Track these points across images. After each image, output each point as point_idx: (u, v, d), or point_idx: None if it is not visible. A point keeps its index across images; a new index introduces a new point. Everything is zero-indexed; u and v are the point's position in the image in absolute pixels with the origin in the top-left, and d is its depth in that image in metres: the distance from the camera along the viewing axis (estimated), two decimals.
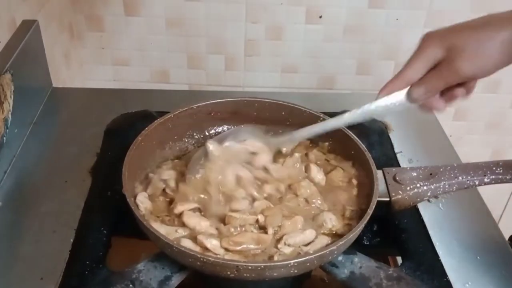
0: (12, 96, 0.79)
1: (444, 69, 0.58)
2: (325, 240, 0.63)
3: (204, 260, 0.55)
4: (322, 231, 0.64)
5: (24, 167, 0.79)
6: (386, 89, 0.61)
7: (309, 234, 0.63)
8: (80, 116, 0.91)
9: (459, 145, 0.89)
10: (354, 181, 0.71)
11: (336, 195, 0.70)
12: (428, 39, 0.59)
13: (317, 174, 0.72)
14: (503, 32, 0.55)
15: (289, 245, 0.61)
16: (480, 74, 0.57)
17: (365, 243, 0.72)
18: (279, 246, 0.61)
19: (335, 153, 0.76)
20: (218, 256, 0.58)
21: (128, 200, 0.61)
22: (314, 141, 0.78)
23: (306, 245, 0.62)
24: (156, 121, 0.73)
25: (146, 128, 0.71)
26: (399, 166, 0.81)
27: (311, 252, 0.60)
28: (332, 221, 0.65)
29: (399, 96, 0.61)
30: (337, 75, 1.27)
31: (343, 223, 0.66)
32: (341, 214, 0.67)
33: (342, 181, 0.72)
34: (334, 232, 0.65)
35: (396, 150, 0.85)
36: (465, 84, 0.60)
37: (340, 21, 1.18)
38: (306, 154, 0.76)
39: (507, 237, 0.72)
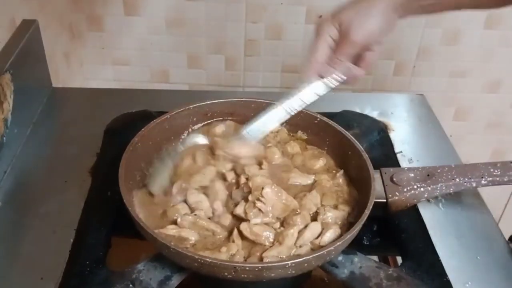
0: (12, 96, 0.79)
1: (342, 43, 0.66)
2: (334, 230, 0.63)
3: (201, 261, 0.55)
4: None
5: (24, 167, 0.79)
6: (309, 74, 0.68)
7: (314, 227, 0.63)
8: (80, 116, 0.91)
9: (459, 145, 0.89)
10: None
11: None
12: (322, 24, 0.68)
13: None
14: (381, 3, 0.66)
15: (301, 246, 0.61)
16: (371, 38, 0.67)
17: (365, 243, 0.71)
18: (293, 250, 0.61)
19: (332, 154, 0.76)
20: (215, 257, 0.58)
21: (125, 201, 0.61)
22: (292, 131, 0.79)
23: (317, 238, 0.62)
24: (152, 121, 0.73)
25: (143, 129, 0.71)
26: (399, 166, 0.81)
27: (326, 241, 0.61)
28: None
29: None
30: None
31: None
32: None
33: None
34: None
35: (396, 150, 0.85)
36: (368, 48, 0.68)
37: None
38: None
39: (507, 237, 0.72)
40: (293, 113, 0.70)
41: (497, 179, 0.67)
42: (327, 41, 0.67)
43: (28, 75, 0.86)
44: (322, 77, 0.68)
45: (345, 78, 0.68)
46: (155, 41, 1.22)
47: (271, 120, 0.71)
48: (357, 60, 0.69)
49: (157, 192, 0.68)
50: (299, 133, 0.79)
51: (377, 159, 0.79)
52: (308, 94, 0.69)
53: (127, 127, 0.81)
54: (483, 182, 0.67)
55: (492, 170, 0.68)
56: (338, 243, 0.58)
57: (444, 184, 0.68)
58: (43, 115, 0.90)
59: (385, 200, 0.68)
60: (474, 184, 0.68)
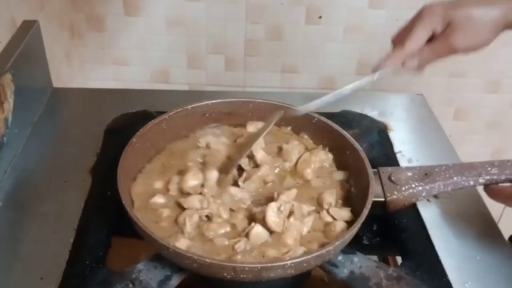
0: (13, 96, 0.80)
1: (439, 43, 0.62)
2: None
3: (201, 261, 0.55)
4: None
5: (24, 167, 0.79)
6: (393, 61, 0.64)
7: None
8: (80, 116, 0.91)
9: (459, 145, 0.89)
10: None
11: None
12: (431, 11, 0.62)
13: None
14: (495, 10, 0.61)
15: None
16: (470, 49, 0.62)
17: (365, 242, 0.72)
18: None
19: (331, 153, 0.76)
20: (215, 258, 0.58)
21: (123, 202, 0.61)
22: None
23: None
24: (150, 122, 0.73)
25: (141, 130, 0.71)
26: (399, 166, 0.81)
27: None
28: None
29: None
30: (337, 75, 1.27)
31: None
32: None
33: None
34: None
35: (396, 150, 0.85)
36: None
37: (340, 21, 1.18)
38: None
39: (507, 237, 0.72)
40: (347, 92, 0.68)
41: (495, 177, 0.67)
42: (428, 32, 0.62)
43: (28, 75, 0.87)
44: (403, 65, 0.64)
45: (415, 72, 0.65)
46: (155, 41, 1.22)
47: (327, 99, 0.69)
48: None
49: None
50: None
51: (376, 159, 0.79)
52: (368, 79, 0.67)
53: (127, 127, 0.81)
54: (480, 180, 0.68)
55: (489, 168, 0.68)
56: (337, 243, 0.58)
57: (442, 183, 0.68)
58: (43, 115, 0.90)
59: (383, 199, 0.68)
60: (472, 183, 0.68)
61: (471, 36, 0.62)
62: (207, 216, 0.64)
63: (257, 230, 0.61)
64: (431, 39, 0.65)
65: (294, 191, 0.67)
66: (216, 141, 0.75)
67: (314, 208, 0.67)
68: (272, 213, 0.62)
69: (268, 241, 0.62)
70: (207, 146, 0.75)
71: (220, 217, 0.64)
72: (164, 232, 0.62)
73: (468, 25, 0.61)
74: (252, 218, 0.64)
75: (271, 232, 0.63)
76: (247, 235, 0.61)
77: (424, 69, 0.67)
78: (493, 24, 0.62)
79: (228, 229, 0.63)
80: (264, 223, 0.62)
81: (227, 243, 0.61)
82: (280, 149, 0.75)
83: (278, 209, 0.63)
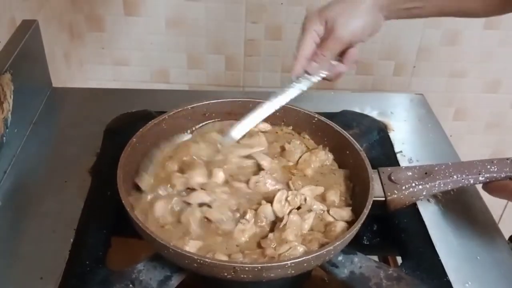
0: (12, 96, 0.79)
1: (327, 40, 0.70)
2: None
3: (201, 261, 0.55)
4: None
5: (24, 167, 0.79)
6: (296, 71, 0.72)
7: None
8: (80, 116, 0.91)
9: (459, 145, 0.89)
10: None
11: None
12: (308, 20, 0.71)
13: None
14: (366, 2, 0.69)
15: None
16: (355, 36, 0.70)
17: (365, 243, 0.72)
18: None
19: (331, 153, 0.76)
20: (214, 258, 0.58)
21: (123, 202, 0.61)
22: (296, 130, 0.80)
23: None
24: (150, 122, 0.73)
25: (141, 130, 0.71)
26: (399, 166, 0.81)
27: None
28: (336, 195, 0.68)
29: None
30: None
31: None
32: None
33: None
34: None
35: (396, 150, 0.85)
36: (352, 45, 0.72)
37: None
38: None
39: (507, 237, 0.72)
40: (277, 108, 0.72)
41: (494, 175, 0.67)
42: (313, 37, 0.70)
43: (28, 75, 0.86)
44: (307, 73, 0.71)
45: (328, 74, 0.71)
46: (155, 41, 1.22)
47: (257, 117, 0.72)
48: (340, 57, 0.72)
49: (144, 188, 0.68)
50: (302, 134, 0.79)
51: (377, 159, 0.79)
52: (293, 90, 0.72)
53: (127, 127, 0.81)
54: (480, 178, 0.68)
55: (489, 167, 0.68)
56: (337, 243, 0.58)
57: (442, 181, 0.68)
58: (43, 115, 0.90)
59: (383, 199, 0.68)
60: (471, 181, 0.68)
61: (349, 20, 0.68)
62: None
63: (267, 207, 0.64)
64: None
65: (321, 189, 0.69)
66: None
67: (326, 208, 0.67)
68: (279, 200, 0.65)
69: (270, 238, 0.62)
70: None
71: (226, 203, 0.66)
72: (171, 235, 0.62)
73: (343, 16, 0.68)
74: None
75: (272, 229, 0.63)
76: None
77: (338, 76, 0.73)
78: (364, 7, 0.69)
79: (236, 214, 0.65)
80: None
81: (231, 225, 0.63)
82: (282, 148, 0.75)
83: (286, 199, 0.65)
